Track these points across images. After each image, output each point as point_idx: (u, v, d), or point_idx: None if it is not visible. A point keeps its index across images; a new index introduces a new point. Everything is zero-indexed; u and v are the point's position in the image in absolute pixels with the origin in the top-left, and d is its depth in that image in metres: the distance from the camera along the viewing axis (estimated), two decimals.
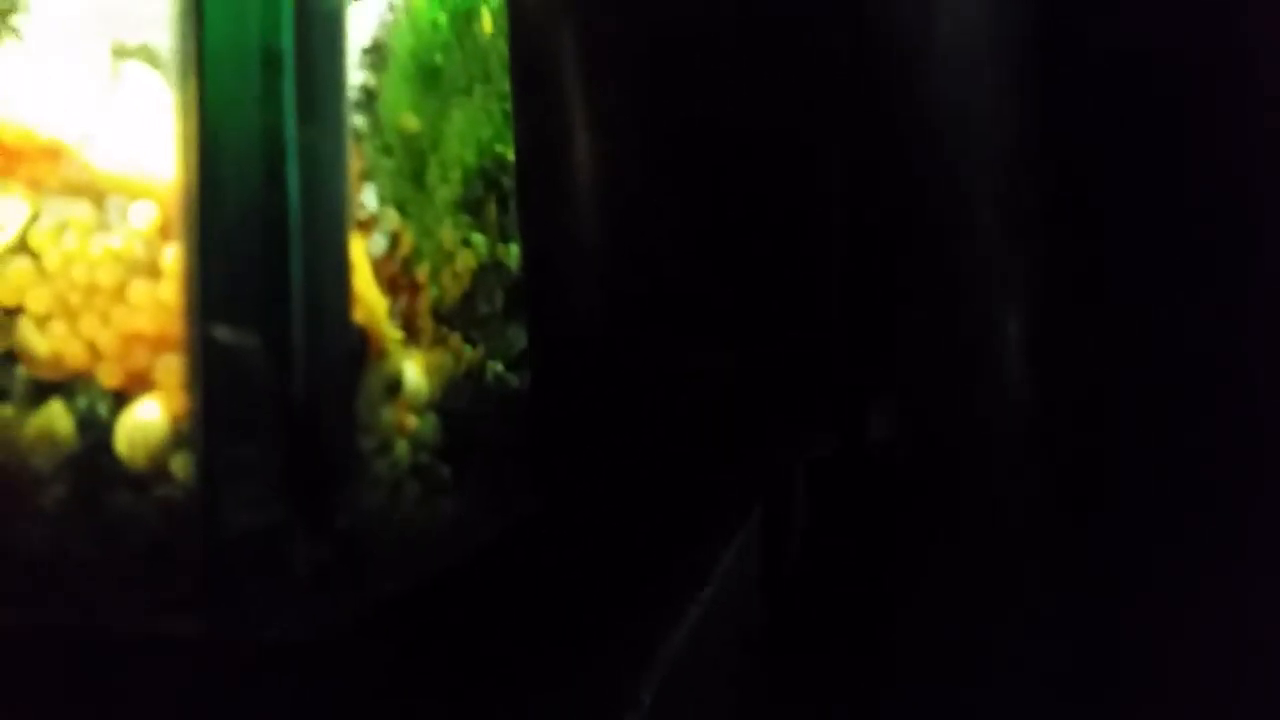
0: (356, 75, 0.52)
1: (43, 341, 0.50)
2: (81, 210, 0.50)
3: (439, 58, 0.58)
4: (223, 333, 0.45)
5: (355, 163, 0.52)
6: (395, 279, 0.55)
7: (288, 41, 0.45)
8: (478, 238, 0.62)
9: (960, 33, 0.68)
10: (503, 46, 0.64)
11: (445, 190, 0.59)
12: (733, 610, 0.69)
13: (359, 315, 0.51)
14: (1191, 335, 0.68)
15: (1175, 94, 0.67)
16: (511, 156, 0.64)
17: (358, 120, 0.52)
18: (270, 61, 0.45)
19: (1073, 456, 0.71)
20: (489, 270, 0.63)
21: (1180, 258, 0.68)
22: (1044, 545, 0.73)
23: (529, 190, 0.64)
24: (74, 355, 0.50)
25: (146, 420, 0.49)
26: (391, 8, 0.54)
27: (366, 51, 0.53)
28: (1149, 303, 0.68)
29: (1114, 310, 0.69)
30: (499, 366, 0.64)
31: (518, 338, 0.65)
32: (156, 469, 0.48)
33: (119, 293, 0.49)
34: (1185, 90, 0.67)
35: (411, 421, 0.55)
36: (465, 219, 0.61)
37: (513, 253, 0.65)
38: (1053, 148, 0.69)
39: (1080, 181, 0.69)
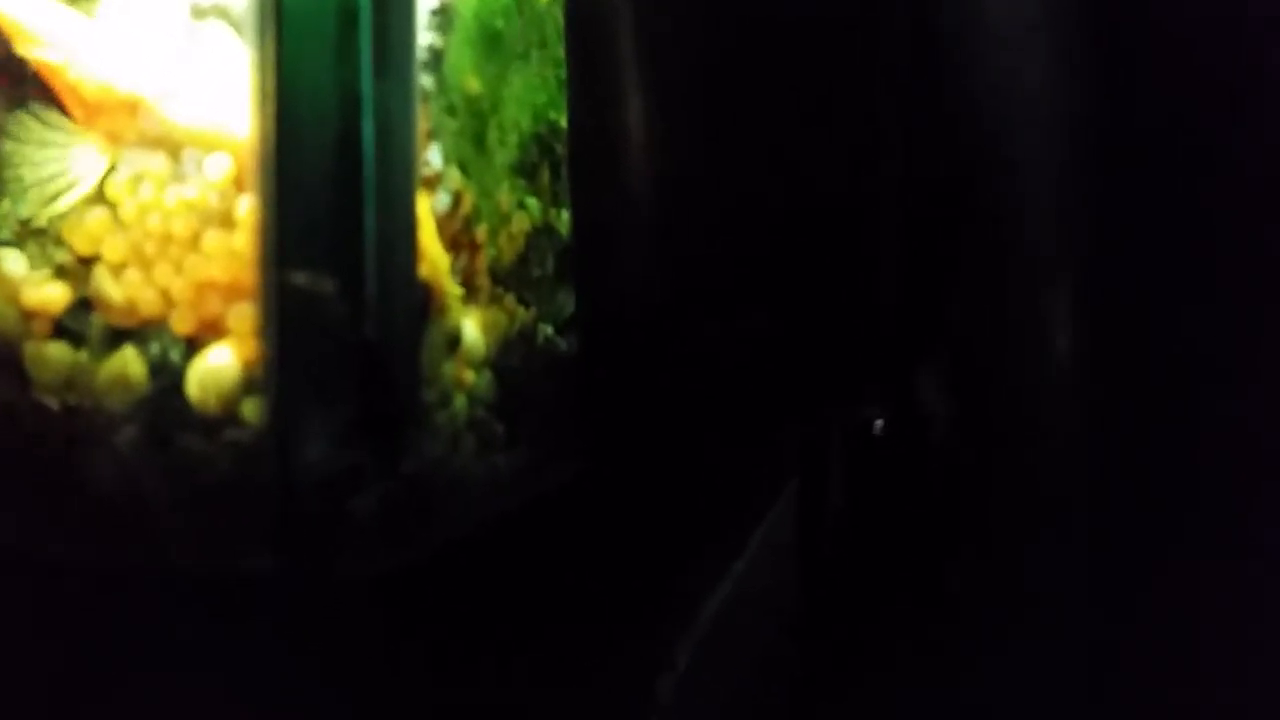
0: (424, 36, 0.54)
1: (117, 289, 0.51)
2: (158, 162, 0.51)
3: (500, 22, 0.59)
4: (298, 280, 0.46)
5: (421, 122, 0.53)
6: (456, 237, 0.56)
7: None
8: (532, 201, 0.63)
9: (1012, 4, 0.69)
10: (558, 13, 0.64)
11: (503, 153, 0.60)
12: (768, 582, 0.69)
13: (423, 270, 0.52)
14: (1251, 313, 0.68)
15: (1231, 68, 0.67)
16: (564, 123, 0.65)
17: (425, 80, 0.53)
18: (347, 17, 0.46)
19: (1119, 434, 0.72)
20: (541, 234, 0.64)
21: (1236, 234, 0.69)
22: (1084, 522, 0.73)
23: (581, 156, 0.65)
24: (148, 302, 0.51)
25: (218, 366, 0.50)
26: None
27: (434, 13, 0.54)
28: (1204, 279, 0.69)
29: (1165, 286, 0.70)
30: (549, 329, 0.65)
31: (567, 302, 0.66)
32: (227, 413, 0.50)
33: (193, 242, 0.51)
34: (1241, 64, 0.67)
35: (469, 377, 0.56)
36: (520, 182, 0.62)
37: (564, 218, 0.66)
38: (1105, 121, 0.69)
39: (1132, 153, 0.69)
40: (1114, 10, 0.70)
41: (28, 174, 0.51)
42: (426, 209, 0.53)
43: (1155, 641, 0.73)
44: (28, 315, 0.51)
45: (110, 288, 0.51)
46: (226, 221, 0.50)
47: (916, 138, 0.70)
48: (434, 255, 0.53)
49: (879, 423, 0.73)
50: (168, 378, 0.50)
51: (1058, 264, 0.72)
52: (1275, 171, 0.70)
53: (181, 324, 0.51)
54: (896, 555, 0.75)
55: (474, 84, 0.57)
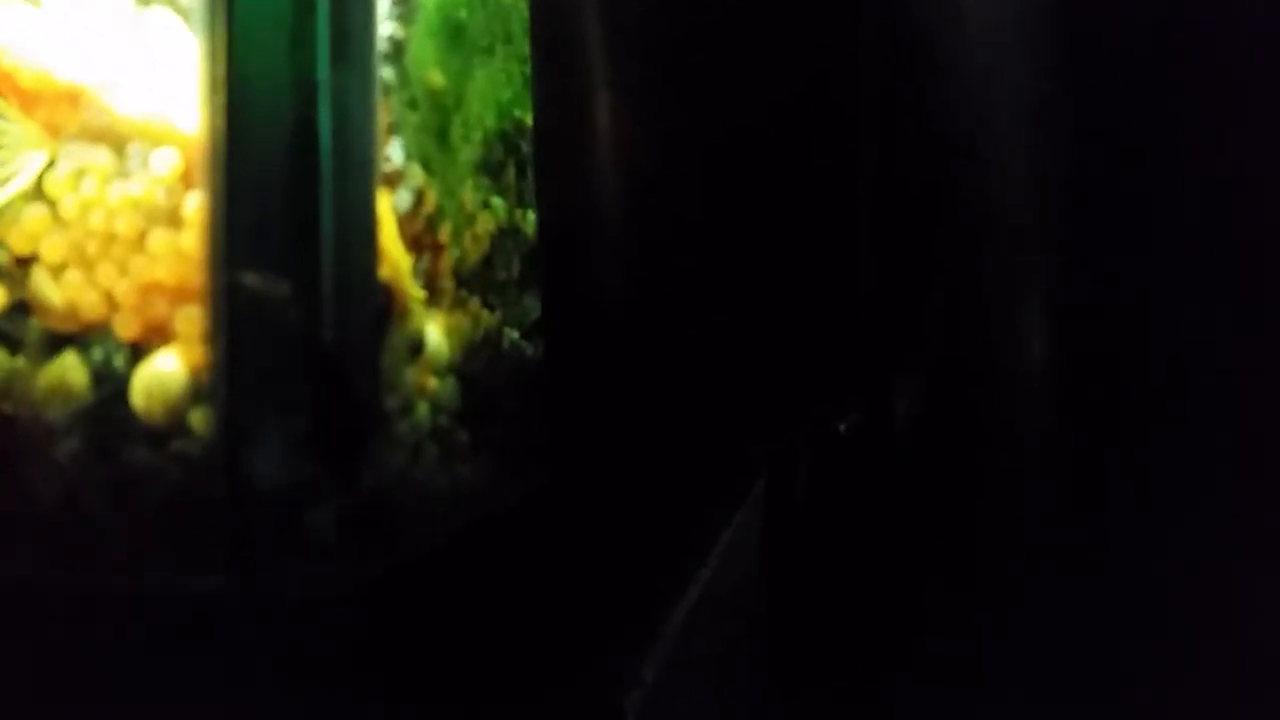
0: (385, 26, 0.51)
1: (57, 291, 0.49)
2: (100, 156, 0.49)
3: (464, 14, 0.57)
4: (250, 283, 0.44)
5: (382, 115, 0.50)
6: (419, 237, 0.54)
7: None
8: (497, 201, 0.61)
9: (987, 4, 0.67)
10: (523, 8, 0.63)
11: (467, 150, 0.58)
12: (734, 589, 0.68)
13: (384, 271, 0.50)
14: (1222, 314, 0.67)
15: (1203, 66, 0.67)
16: (530, 120, 0.63)
17: (385, 72, 0.51)
18: (302, 2, 0.44)
19: (1096, 438, 0.71)
20: (507, 235, 0.62)
21: (1211, 233, 0.68)
22: (1061, 528, 0.72)
23: (547, 154, 0.63)
24: (90, 306, 0.49)
25: (165, 373, 0.47)
26: None
27: (395, 3, 0.52)
28: (1178, 281, 0.68)
29: (1141, 289, 0.69)
30: (515, 333, 0.63)
31: (533, 306, 0.64)
32: (175, 423, 0.47)
33: (138, 242, 0.48)
34: (1214, 61, 0.66)
35: (432, 383, 0.54)
36: (485, 181, 0.60)
37: (530, 218, 0.64)
38: (1079, 121, 0.68)
39: (1107, 155, 0.68)
40: (1090, 11, 0.69)
41: None
42: (387, 207, 0.51)
43: (1147, 643, 0.72)
44: None
45: (49, 290, 0.49)
46: (174, 219, 0.48)
47: (893, 139, 0.69)
48: (395, 256, 0.51)
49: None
50: (111, 386, 0.48)
51: (1035, 266, 0.71)
52: (1254, 171, 0.69)
53: (125, 328, 0.48)
54: (864, 556, 0.74)
55: (437, 77, 0.55)
